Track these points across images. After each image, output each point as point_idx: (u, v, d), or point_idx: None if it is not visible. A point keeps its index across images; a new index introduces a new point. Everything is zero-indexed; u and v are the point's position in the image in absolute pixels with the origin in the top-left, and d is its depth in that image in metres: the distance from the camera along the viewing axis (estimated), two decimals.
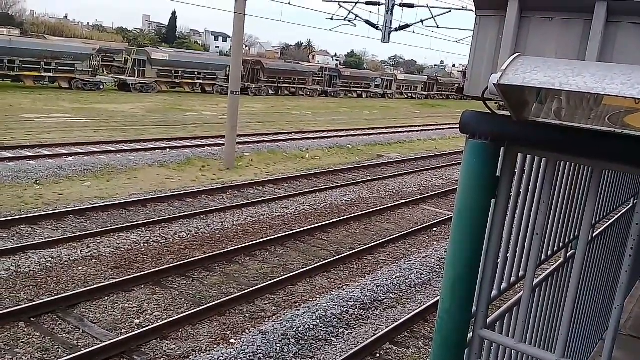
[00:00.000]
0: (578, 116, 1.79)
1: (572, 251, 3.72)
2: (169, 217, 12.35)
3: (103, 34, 79.34)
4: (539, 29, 1.95)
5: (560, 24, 1.91)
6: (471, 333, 2.51)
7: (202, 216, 12.71)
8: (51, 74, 37.63)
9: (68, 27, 78.14)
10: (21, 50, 35.34)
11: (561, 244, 3.62)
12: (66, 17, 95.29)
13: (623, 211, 5.45)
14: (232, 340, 7.43)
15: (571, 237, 3.70)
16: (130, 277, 8.98)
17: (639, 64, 1.83)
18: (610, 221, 5.14)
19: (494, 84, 1.75)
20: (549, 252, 3.44)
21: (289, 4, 20.42)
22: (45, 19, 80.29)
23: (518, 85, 1.69)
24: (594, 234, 4.62)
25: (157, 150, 19.45)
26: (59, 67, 37.72)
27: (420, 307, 8.97)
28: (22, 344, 6.90)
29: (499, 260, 2.66)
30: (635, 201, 5.05)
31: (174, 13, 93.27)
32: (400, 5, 21.33)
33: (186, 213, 12.74)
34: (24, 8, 79.95)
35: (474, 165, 2.23)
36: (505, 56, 1.89)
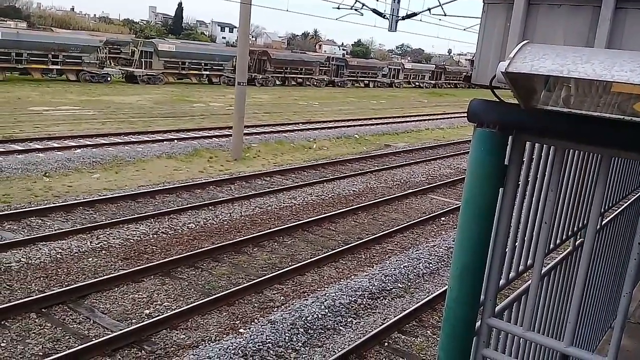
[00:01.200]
0: (587, 104, 1.78)
1: (580, 239, 3.71)
2: (177, 208, 12.40)
3: (110, 26, 79.33)
4: (547, 16, 1.93)
5: (569, 11, 1.89)
6: (479, 322, 2.52)
7: (210, 207, 12.75)
8: (59, 67, 37.74)
9: (75, 19, 78.17)
10: (29, 43, 35.42)
11: (570, 232, 3.61)
12: (73, 9, 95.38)
13: (632, 199, 5.42)
14: (241, 330, 7.48)
15: (580, 225, 3.69)
16: (139, 267, 9.05)
17: None
18: (620, 209, 5.12)
19: (501, 72, 1.74)
20: (557, 241, 3.43)
21: None
22: (52, 11, 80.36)
23: (526, 73, 1.68)
24: (603, 222, 4.60)
25: (164, 142, 19.49)
26: (66, 60, 37.81)
27: (428, 296, 8.98)
28: (33, 334, 6.98)
29: (507, 249, 2.66)
30: None
31: (180, 4, 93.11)
32: None
33: (194, 204, 12.79)
34: (30, 0, 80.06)
35: (482, 154, 2.22)
36: (513, 44, 1.87)
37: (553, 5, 1.91)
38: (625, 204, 5.28)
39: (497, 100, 2.14)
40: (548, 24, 1.94)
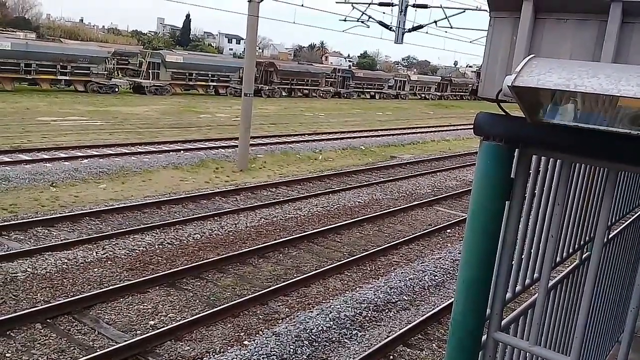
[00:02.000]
0: (593, 118, 1.78)
1: (587, 253, 3.69)
2: (183, 218, 12.42)
3: (118, 37, 79.99)
4: (553, 30, 1.94)
5: (575, 25, 1.90)
6: (485, 335, 2.50)
7: (216, 218, 12.76)
8: (67, 77, 38.02)
9: (84, 30, 78.90)
10: (38, 54, 35.74)
11: (576, 246, 3.60)
12: (82, 20, 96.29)
13: (634, 217, 5.40)
14: (245, 342, 7.45)
15: (586, 239, 3.67)
16: (145, 278, 9.05)
17: None
18: (627, 223, 5.09)
19: (508, 85, 1.74)
20: (564, 254, 3.41)
21: (302, 5, 20.46)
22: (61, 22, 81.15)
23: (532, 87, 1.68)
24: (610, 236, 4.58)
25: (171, 153, 19.56)
26: (75, 71, 38.10)
27: (433, 309, 8.93)
28: (38, 345, 6.98)
29: (513, 262, 2.65)
30: None
31: (187, 16, 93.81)
32: (414, 5, 21.29)
33: (200, 215, 12.80)
34: (40, 12, 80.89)
35: (488, 167, 2.23)
36: (520, 58, 1.88)
37: (560, 19, 1.92)
38: (632, 217, 5.26)
39: (504, 113, 2.14)
40: (554, 38, 1.95)
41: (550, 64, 1.72)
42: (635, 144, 1.83)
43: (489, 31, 2.07)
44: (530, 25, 1.91)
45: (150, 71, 43.13)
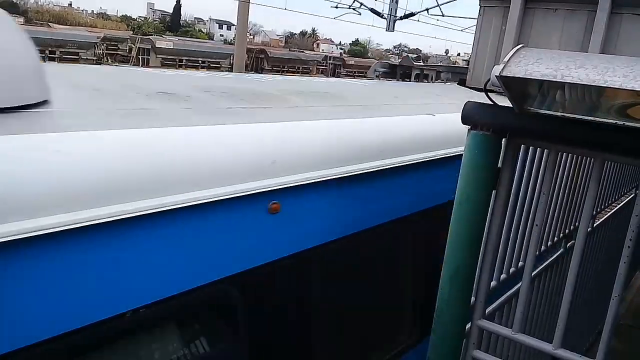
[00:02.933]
0: (580, 108, 1.79)
1: (572, 242, 3.73)
2: None
3: (107, 22, 79.08)
4: (542, 20, 1.94)
5: (564, 15, 1.90)
6: (470, 323, 2.52)
7: None
8: (56, 62, 37.61)
9: (72, 15, 77.83)
10: None
11: (561, 235, 3.64)
12: (70, 4, 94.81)
13: (624, 202, 5.46)
14: None
15: (571, 227, 3.71)
16: None
17: None
18: (611, 212, 5.15)
19: (496, 75, 1.74)
20: (549, 243, 3.45)
21: None
22: (49, 6, 79.95)
23: (520, 77, 1.68)
24: (595, 225, 4.63)
25: None
26: (64, 56, 37.67)
27: None
28: None
29: (498, 251, 2.67)
30: (637, 192, 5.05)
31: (178, 1, 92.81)
32: None
33: None
34: None
35: (475, 157, 2.23)
36: (509, 47, 1.89)
37: (549, 9, 1.92)
38: (617, 207, 5.32)
39: (491, 103, 2.15)
40: (543, 28, 1.95)
41: (538, 54, 1.72)
42: (621, 134, 1.84)
43: (478, 20, 2.06)
44: (520, 15, 1.92)
45: (140, 57, 42.76)
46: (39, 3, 79.74)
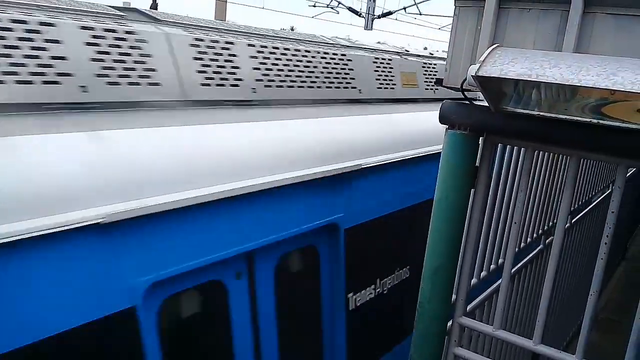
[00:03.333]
0: (555, 107, 1.80)
1: (551, 238, 3.77)
2: None
3: None
4: (517, 20, 1.96)
5: (538, 15, 1.92)
6: (451, 321, 2.54)
7: None
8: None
9: None
10: None
11: (540, 231, 3.67)
12: None
13: (602, 197, 5.53)
14: None
15: (550, 224, 3.75)
16: None
17: (615, 54, 1.85)
18: (589, 207, 5.22)
19: (472, 75, 1.75)
20: (529, 240, 3.48)
21: None
22: None
23: (495, 77, 1.69)
24: (573, 220, 4.69)
25: None
26: None
27: None
28: None
29: (478, 249, 2.68)
30: (612, 188, 5.14)
31: (154, 0, 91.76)
32: None
33: None
34: None
35: (453, 156, 2.24)
36: (484, 47, 1.90)
37: (523, 9, 1.94)
38: (596, 202, 5.39)
39: (468, 102, 2.16)
40: (518, 27, 1.97)
41: (513, 53, 1.73)
42: (596, 132, 1.86)
43: (454, 20, 2.08)
44: (495, 15, 1.93)
45: None
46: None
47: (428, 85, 5.23)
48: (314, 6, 22.40)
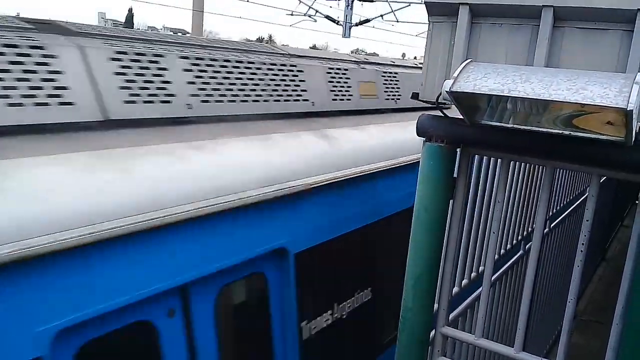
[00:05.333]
0: (528, 119, 1.84)
1: (530, 243, 3.83)
2: None
3: None
4: (489, 35, 1.99)
5: (509, 30, 1.96)
6: (434, 331, 2.56)
7: None
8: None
9: None
10: None
11: (520, 237, 3.73)
12: (18, 15, 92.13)
13: (579, 201, 5.63)
14: None
15: (529, 230, 3.81)
16: None
17: (585, 68, 1.90)
18: (568, 211, 5.31)
19: (446, 90, 1.78)
20: (508, 246, 3.53)
21: (248, 1, 20.27)
22: None
23: (469, 92, 1.72)
24: (552, 225, 4.76)
25: None
26: None
27: None
28: None
29: (459, 258, 2.72)
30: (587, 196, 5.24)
31: (130, 9, 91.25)
32: (360, 0, 21.39)
33: None
34: None
35: (431, 168, 2.27)
36: (458, 62, 1.93)
37: (494, 24, 1.98)
38: (573, 206, 5.48)
39: (444, 115, 2.19)
40: (490, 42, 2.00)
41: (485, 69, 1.77)
42: (568, 143, 1.90)
43: (428, 35, 2.11)
44: (467, 30, 1.96)
45: None
46: None
47: (389, 95, 4.96)
48: (291, 15, 22.50)
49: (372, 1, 20.81)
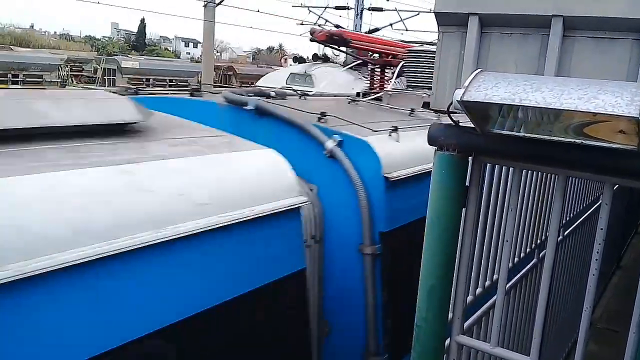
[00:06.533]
0: (540, 128, 1.85)
1: (544, 251, 3.81)
2: None
3: (71, 43, 78.07)
4: (498, 44, 2.00)
5: (519, 39, 1.97)
6: (449, 340, 2.56)
7: None
8: (19, 86, 36.94)
9: (34, 37, 76.52)
10: None
11: (534, 245, 3.71)
12: (32, 26, 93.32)
13: (593, 208, 5.59)
14: None
15: (543, 238, 3.79)
16: None
17: (595, 76, 1.90)
18: (583, 217, 5.27)
19: (457, 100, 1.79)
20: (522, 255, 3.52)
21: (258, 11, 20.41)
22: (10, 29, 78.47)
23: (480, 101, 1.73)
24: (566, 233, 4.74)
25: None
26: (27, 79, 37.09)
27: None
28: None
29: (472, 267, 2.71)
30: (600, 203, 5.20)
31: (142, 20, 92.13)
32: (369, 9, 21.48)
33: None
34: None
35: (444, 177, 2.28)
36: (468, 72, 1.94)
37: (504, 33, 1.99)
38: (588, 213, 5.45)
39: (455, 124, 2.20)
40: (500, 52, 2.01)
41: (496, 78, 1.78)
42: (581, 151, 1.90)
43: (438, 45, 2.12)
44: (477, 40, 1.97)
45: (105, 77, 42.35)
46: (0, 26, 78.19)
47: None
48: (302, 24, 22.60)
49: (381, 10, 20.88)
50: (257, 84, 16.31)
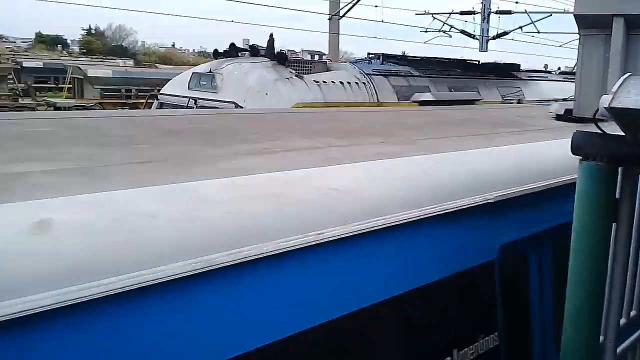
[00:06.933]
0: None
1: None
2: None
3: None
4: None
5: None
6: None
7: None
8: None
9: (176, 55, 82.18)
10: (136, 80, 37.29)
11: None
12: (173, 45, 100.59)
13: None
14: None
15: None
16: None
17: None
18: None
19: (605, 107, 1.67)
20: None
21: (382, 21, 20.51)
22: (155, 48, 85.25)
23: (631, 108, 1.60)
24: None
25: None
26: None
27: None
28: None
29: (625, 286, 2.49)
30: None
31: (271, 35, 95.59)
32: (497, 12, 20.69)
33: None
34: (135, 39, 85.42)
35: (590, 189, 2.12)
36: (615, 76, 1.80)
37: None
38: None
39: (601, 132, 2.05)
40: None
41: None
42: None
43: (579, 50, 2.00)
44: (623, 42, 1.84)
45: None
46: (145, 45, 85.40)
47: None
48: (426, 31, 22.39)
49: (510, 13, 20.06)
50: (161, 91, 13.48)
